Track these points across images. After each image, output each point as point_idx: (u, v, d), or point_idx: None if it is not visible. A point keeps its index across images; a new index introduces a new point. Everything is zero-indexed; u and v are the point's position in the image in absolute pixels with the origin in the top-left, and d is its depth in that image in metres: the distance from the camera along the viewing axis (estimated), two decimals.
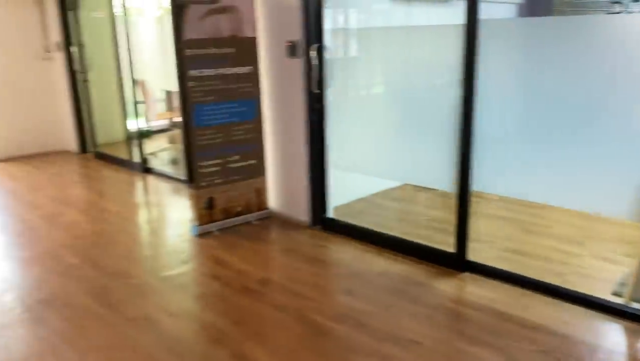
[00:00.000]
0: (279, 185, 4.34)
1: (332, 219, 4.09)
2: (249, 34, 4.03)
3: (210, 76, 3.91)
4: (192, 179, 5.40)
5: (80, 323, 2.87)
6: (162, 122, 7.12)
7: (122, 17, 5.75)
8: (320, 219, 4.13)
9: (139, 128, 5.97)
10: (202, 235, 4.05)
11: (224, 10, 3.89)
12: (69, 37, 6.67)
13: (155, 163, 6.27)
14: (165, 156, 6.65)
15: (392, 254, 3.63)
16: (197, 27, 3.80)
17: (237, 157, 4.17)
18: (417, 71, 3.57)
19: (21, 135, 6.86)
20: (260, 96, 4.18)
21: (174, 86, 8.36)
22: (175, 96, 7.13)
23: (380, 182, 4.81)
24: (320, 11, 3.73)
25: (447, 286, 3.19)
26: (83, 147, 7.05)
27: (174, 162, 6.45)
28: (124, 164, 6.35)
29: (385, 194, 4.82)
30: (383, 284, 3.22)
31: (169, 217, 4.62)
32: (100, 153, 6.76)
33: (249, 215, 4.31)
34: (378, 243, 3.77)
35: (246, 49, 4.04)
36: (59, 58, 6.78)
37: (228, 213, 4.21)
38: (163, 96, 7.02)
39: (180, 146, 6.63)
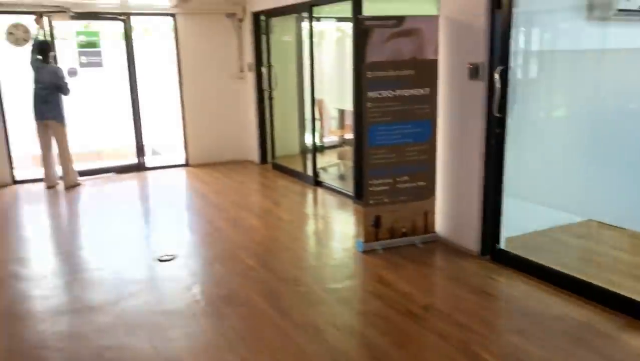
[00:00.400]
0: (448, 209, 4.23)
1: (504, 251, 3.86)
2: (429, 56, 4.03)
3: (388, 97, 3.99)
4: (359, 195, 5.55)
5: (253, 323, 3.10)
6: (333, 139, 7.45)
7: (307, 41, 6.16)
8: (491, 250, 3.92)
9: (313, 143, 6.31)
10: (366, 252, 4.11)
11: (408, 33, 3.94)
12: (260, 59, 7.35)
13: (325, 177, 6.57)
14: (334, 171, 6.93)
15: (571, 296, 3.29)
16: (380, 50, 3.90)
17: (406, 177, 4.17)
18: (612, 96, 3.22)
19: (214, 144, 7.72)
20: (436, 117, 4.13)
21: (347, 105, 8.72)
22: (348, 114, 7.41)
23: (560, 215, 4.41)
24: (507, 32, 3.57)
25: (638, 341, 2.79)
26: (263, 158, 7.68)
27: (341, 177, 6.70)
28: (298, 176, 6.77)
29: (566, 229, 4.40)
30: (560, 329, 2.93)
31: (335, 230, 4.79)
32: (278, 164, 7.29)
33: (414, 237, 4.27)
34: (555, 282, 3.45)
35: (426, 71, 4.04)
36: (250, 78, 7.51)
37: (393, 233, 4.22)
38: (335, 114, 7.35)
39: (348, 163, 6.87)
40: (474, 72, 3.78)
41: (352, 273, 3.82)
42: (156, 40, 9.86)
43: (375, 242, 4.17)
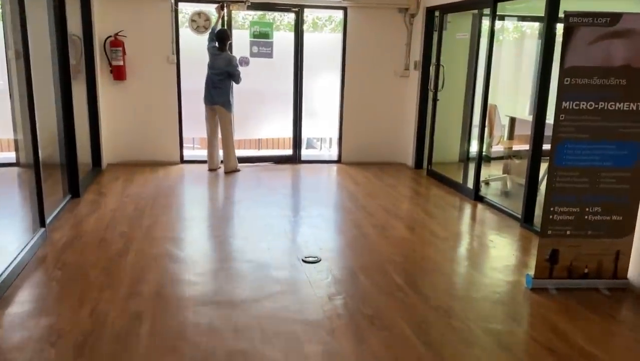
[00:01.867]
0: None
1: None
2: None
3: (587, 110, 3.31)
4: (529, 218, 4.84)
5: (397, 354, 2.73)
6: (499, 150, 6.71)
7: (485, 40, 5.55)
8: None
9: (479, 152, 5.70)
10: (536, 290, 3.49)
11: (621, 34, 3.22)
12: (428, 58, 6.89)
13: (486, 191, 5.92)
14: (498, 185, 6.23)
15: None
16: (583, 54, 3.24)
17: (598, 208, 3.45)
18: None
19: (368, 143, 7.46)
20: None
21: (520, 113, 7.86)
22: (519, 123, 6.62)
23: None
24: None
25: None
26: (418, 163, 7.23)
27: (506, 194, 5.98)
28: (455, 186, 6.21)
29: None
30: None
31: (498, 257, 4.19)
32: (433, 171, 6.79)
33: (598, 280, 3.53)
34: None
35: None
36: (415, 76, 7.09)
37: (572, 272, 3.52)
38: (505, 122, 6.59)
39: (516, 178, 6.11)
40: None
41: (518, 313, 3.25)
42: (325, 34, 9.90)
43: (549, 280, 3.52)
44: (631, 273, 3.54)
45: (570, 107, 3.31)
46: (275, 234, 4.49)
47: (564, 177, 3.40)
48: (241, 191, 6.08)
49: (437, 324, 3.04)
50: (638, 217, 3.45)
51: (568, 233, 3.47)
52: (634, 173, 3.39)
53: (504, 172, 6.44)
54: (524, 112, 8.01)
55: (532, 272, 3.56)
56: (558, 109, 3.31)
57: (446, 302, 3.32)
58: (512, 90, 7.73)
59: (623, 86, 3.28)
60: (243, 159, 7.03)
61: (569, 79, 3.27)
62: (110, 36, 6.41)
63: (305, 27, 7.14)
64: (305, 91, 7.23)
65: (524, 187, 4.86)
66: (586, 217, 3.46)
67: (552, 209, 3.44)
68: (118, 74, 6.51)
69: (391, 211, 5.23)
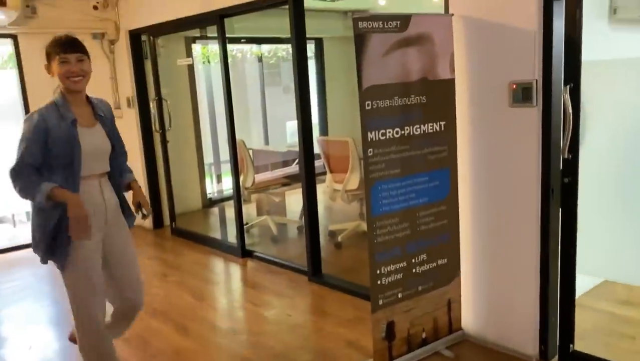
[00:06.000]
0: (480, 294, 2.91)
1: (582, 355, 2.62)
2: (444, 75, 2.72)
3: (393, 138, 2.59)
4: (317, 271, 4.04)
5: None
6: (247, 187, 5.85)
7: (216, 64, 4.56)
8: (561, 353, 2.66)
9: (237, 199, 4.68)
10: None
11: (412, 41, 2.59)
12: (144, 91, 5.56)
13: (252, 241, 4.96)
14: (263, 231, 5.34)
15: None
16: (380, 68, 2.50)
17: (424, 256, 2.78)
18: None
19: None
20: (456, 163, 2.82)
21: (258, 143, 7.19)
22: (258, 154, 5.91)
23: None
24: (576, 34, 2.38)
25: None
26: (157, 221, 5.81)
27: (274, 240, 5.12)
28: (212, 243, 5.06)
29: None
30: None
31: (308, 337, 3.20)
32: (180, 230, 5.49)
33: (437, 342, 2.87)
34: None
35: (440, 97, 2.72)
36: (131, 116, 5.65)
37: (411, 342, 2.78)
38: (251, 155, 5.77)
39: (277, 219, 5.32)
40: (522, 94, 2.53)
41: None
42: None
43: None
44: (465, 321, 2.99)
45: (377, 137, 2.53)
46: None
47: (384, 228, 2.61)
48: None
49: None
50: (461, 254, 2.92)
51: (400, 296, 2.71)
52: (449, 205, 2.83)
53: (259, 214, 5.59)
54: (260, 141, 7.39)
55: (371, 359, 2.69)
56: (365, 143, 2.50)
57: None
58: (244, 119, 6.99)
59: (424, 104, 2.67)
60: None
61: (369, 102, 2.49)
62: None
63: None
64: None
65: (297, 228, 4.04)
66: (414, 270, 2.75)
67: (378, 271, 2.62)
68: None
69: (147, 306, 3.75)
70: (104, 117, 2.39)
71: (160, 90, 5.33)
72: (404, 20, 2.53)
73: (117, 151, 2.42)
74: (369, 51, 2.44)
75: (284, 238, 5.27)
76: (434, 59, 2.67)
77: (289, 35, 3.77)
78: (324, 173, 4.90)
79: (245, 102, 7.18)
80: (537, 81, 2.47)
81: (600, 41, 3.08)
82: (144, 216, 2.56)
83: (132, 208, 2.54)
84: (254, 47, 7.34)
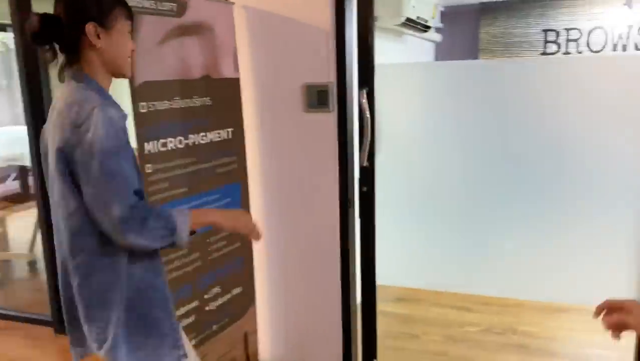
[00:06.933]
0: (278, 323, 2.60)
1: None
2: (228, 74, 2.31)
3: (178, 149, 2.07)
4: (62, 321, 3.15)
5: None
6: None
7: None
8: None
9: None
10: None
11: (191, 30, 2.11)
12: None
13: None
14: None
15: None
16: (157, 60, 1.95)
17: (217, 288, 2.33)
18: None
19: None
20: (247, 176, 2.45)
21: None
22: None
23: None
24: (368, 34, 2.26)
25: None
26: None
27: (1, 283, 3.93)
28: None
29: None
30: None
31: None
32: None
33: None
34: None
35: (226, 99, 2.31)
36: None
37: None
38: None
39: (3, 254, 4.12)
40: (315, 98, 2.31)
41: None
42: None
43: None
44: (263, 354, 2.64)
45: (156, 149, 1.97)
46: None
47: (171, 264, 2.07)
48: None
49: None
50: (256, 280, 2.55)
51: (194, 342, 2.20)
52: None
53: None
54: None
55: None
56: (141, 157, 1.91)
57: None
58: None
59: (209, 106, 2.22)
60: None
61: (145, 103, 1.92)
62: None
63: None
64: None
65: (27, 265, 3.13)
66: (207, 308, 2.27)
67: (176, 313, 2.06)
68: None
69: None
70: None
71: None
72: (181, 3, 2.04)
73: None
74: (142, 37, 1.87)
75: (10, 279, 4.10)
76: (216, 54, 2.24)
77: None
78: None
79: None
80: (332, 84, 2.28)
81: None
82: None
83: None
84: None
